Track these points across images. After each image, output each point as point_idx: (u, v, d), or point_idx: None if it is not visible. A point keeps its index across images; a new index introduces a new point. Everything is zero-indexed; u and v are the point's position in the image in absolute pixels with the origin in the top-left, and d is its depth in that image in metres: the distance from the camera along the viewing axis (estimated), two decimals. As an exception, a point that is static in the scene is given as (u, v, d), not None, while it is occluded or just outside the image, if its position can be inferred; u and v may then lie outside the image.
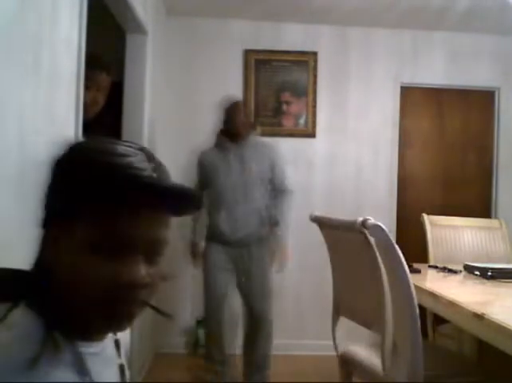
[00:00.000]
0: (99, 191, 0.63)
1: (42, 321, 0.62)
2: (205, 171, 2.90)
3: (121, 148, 0.66)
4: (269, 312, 2.85)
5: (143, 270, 0.64)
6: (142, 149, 0.69)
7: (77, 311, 0.65)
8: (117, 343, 0.76)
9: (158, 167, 0.67)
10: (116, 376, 0.74)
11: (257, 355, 2.85)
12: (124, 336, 0.81)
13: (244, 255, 2.82)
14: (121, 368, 0.76)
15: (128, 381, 0.77)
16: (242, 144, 2.85)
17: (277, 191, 2.91)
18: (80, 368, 0.64)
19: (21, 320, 0.62)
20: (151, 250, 0.66)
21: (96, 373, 0.66)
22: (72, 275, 0.63)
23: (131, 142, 0.71)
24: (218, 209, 2.81)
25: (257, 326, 2.84)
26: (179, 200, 0.66)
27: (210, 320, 2.84)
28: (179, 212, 0.70)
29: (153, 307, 0.74)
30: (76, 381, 0.63)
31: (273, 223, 2.88)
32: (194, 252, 2.97)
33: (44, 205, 0.69)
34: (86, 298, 0.63)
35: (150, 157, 0.68)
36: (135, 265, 0.64)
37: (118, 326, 0.67)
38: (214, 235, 2.85)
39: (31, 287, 0.66)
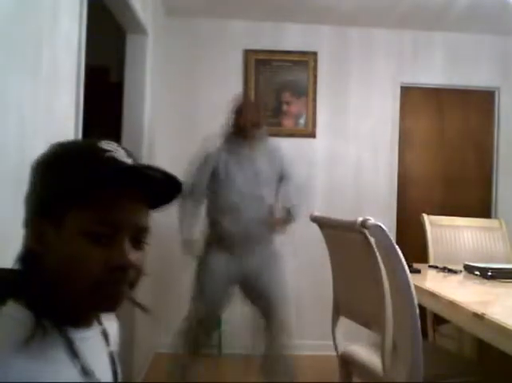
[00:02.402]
0: (83, 183, 0.67)
1: (30, 312, 0.66)
2: (212, 171, 2.73)
3: (103, 145, 0.72)
4: (282, 312, 2.71)
5: (131, 254, 0.69)
6: (122, 147, 0.74)
7: (69, 296, 0.68)
8: (104, 332, 0.80)
9: (138, 162, 0.73)
10: (106, 361, 0.78)
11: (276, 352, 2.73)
12: (111, 326, 0.84)
13: (250, 259, 2.69)
14: (111, 355, 0.80)
15: (118, 368, 0.81)
16: (252, 144, 2.75)
17: (288, 197, 2.79)
18: (71, 351, 0.68)
19: (9, 311, 0.67)
20: (136, 236, 0.71)
21: (86, 356, 0.70)
22: (65, 263, 0.67)
23: (111, 142, 0.75)
24: (223, 211, 2.69)
25: (274, 319, 2.72)
26: (161, 185, 0.72)
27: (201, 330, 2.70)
28: (162, 201, 0.76)
29: (134, 302, 0.79)
30: (67, 362, 0.67)
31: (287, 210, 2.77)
32: (189, 251, 2.76)
33: (26, 204, 0.73)
34: (80, 283, 0.67)
35: (130, 154, 0.74)
36: (123, 247, 0.69)
37: (108, 307, 0.71)
38: (218, 238, 2.72)
39: (17, 283, 0.69)
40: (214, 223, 2.75)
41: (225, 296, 2.72)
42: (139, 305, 0.81)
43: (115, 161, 0.70)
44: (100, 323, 0.79)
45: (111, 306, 0.71)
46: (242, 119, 2.73)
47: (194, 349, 2.69)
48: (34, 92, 1.46)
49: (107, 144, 0.72)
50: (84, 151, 0.72)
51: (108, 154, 0.70)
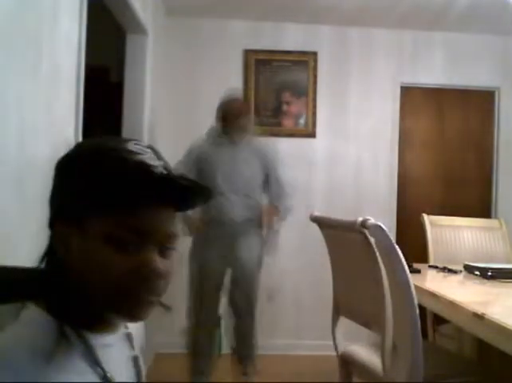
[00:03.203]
0: (114, 188, 0.64)
1: (52, 318, 0.64)
2: (199, 165, 2.82)
3: (132, 146, 0.68)
4: (254, 298, 2.83)
5: (159, 262, 0.67)
6: (149, 147, 0.71)
7: (92, 303, 0.66)
8: (129, 336, 0.77)
9: (166, 164, 0.70)
10: (129, 368, 0.75)
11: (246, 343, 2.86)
12: (137, 330, 0.82)
13: (234, 243, 2.76)
14: (135, 360, 0.77)
15: (142, 372, 0.78)
16: (237, 142, 2.81)
17: (275, 197, 2.86)
18: (92, 359, 0.65)
19: (33, 317, 0.64)
20: (165, 243, 0.69)
21: (107, 363, 0.67)
22: (92, 269, 0.65)
23: (137, 140, 0.72)
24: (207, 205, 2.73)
25: (242, 309, 2.82)
26: (190, 194, 0.70)
27: (199, 327, 2.78)
28: (189, 205, 0.73)
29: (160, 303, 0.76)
30: (89, 370, 0.65)
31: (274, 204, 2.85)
32: (191, 227, 2.81)
33: (51, 205, 0.70)
34: (103, 290, 0.64)
35: (158, 155, 0.71)
36: (151, 256, 0.66)
37: (134, 317, 0.68)
38: (206, 229, 2.78)
39: (41, 286, 0.67)
40: (202, 214, 2.80)
41: (222, 269, 2.80)
42: (160, 304, 0.78)
43: (146, 167, 0.65)
44: (125, 326, 0.76)
45: (137, 315, 0.67)
46: (228, 117, 2.79)
47: (196, 348, 2.72)
48: (34, 92, 1.46)
49: (135, 146, 0.68)
50: (113, 152, 0.67)
51: (137, 157, 0.66)
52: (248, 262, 2.79)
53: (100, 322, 0.69)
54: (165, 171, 0.67)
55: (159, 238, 0.67)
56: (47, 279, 0.68)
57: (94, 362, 0.65)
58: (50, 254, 0.69)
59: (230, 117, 2.79)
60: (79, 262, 0.66)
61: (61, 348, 0.61)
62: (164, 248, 0.69)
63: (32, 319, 0.64)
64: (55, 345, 0.61)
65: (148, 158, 0.67)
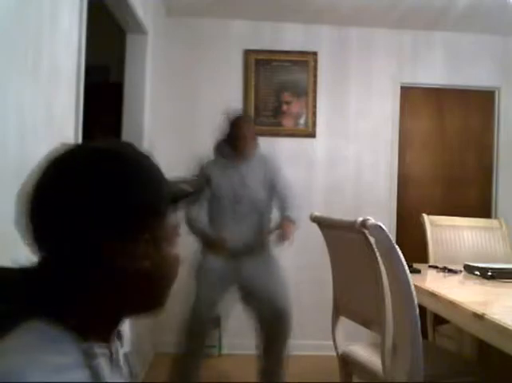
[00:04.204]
0: (151, 206, 0.68)
1: (61, 328, 0.63)
2: (207, 182, 2.74)
3: (150, 162, 0.72)
4: (289, 308, 2.70)
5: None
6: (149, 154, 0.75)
7: (128, 307, 0.71)
8: (119, 334, 0.77)
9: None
10: (124, 376, 0.76)
11: (275, 358, 2.74)
12: (127, 328, 0.83)
13: (245, 264, 2.69)
14: (126, 357, 0.78)
15: (133, 369, 0.80)
16: (245, 158, 2.77)
17: (284, 208, 2.79)
18: (93, 370, 0.65)
19: (39, 326, 0.63)
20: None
21: (107, 374, 0.67)
22: (158, 269, 0.70)
23: (132, 144, 0.72)
24: (218, 219, 2.72)
25: (277, 327, 2.69)
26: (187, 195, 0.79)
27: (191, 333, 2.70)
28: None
29: None
30: (90, 380, 0.64)
31: (282, 213, 2.77)
32: (223, 246, 2.69)
33: (78, 221, 0.64)
34: (162, 286, 0.72)
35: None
36: (177, 248, 0.74)
37: (163, 305, 0.74)
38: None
39: (51, 296, 0.66)
40: (212, 229, 2.74)
41: (219, 298, 2.71)
42: None
43: (171, 190, 0.73)
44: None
45: (164, 304, 0.74)
46: (235, 135, 2.73)
47: (193, 348, 2.70)
48: (34, 92, 1.46)
49: (148, 160, 0.73)
50: (143, 165, 0.71)
51: (161, 176, 0.73)
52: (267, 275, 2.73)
53: (102, 331, 0.69)
54: (174, 183, 0.75)
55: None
56: (62, 290, 0.66)
57: (96, 374, 0.65)
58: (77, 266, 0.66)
59: (238, 141, 2.74)
60: (153, 266, 0.69)
61: (69, 361, 0.61)
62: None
63: (38, 328, 0.63)
64: (66, 358, 0.60)
65: (161, 172, 0.73)
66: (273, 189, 2.80)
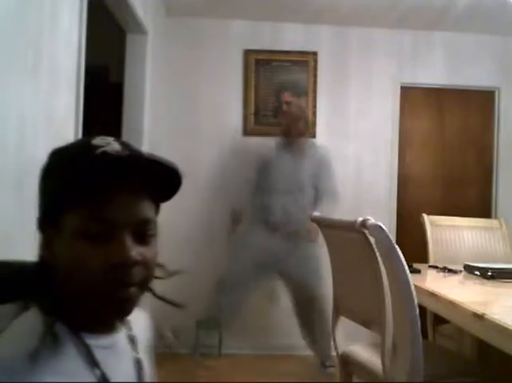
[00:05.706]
0: (74, 181, 0.65)
1: (46, 317, 0.64)
2: (263, 165, 3.23)
3: (95, 141, 0.68)
4: (321, 288, 3.07)
5: (132, 249, 0.65)
6: (118, 140, 0.70)
7: (79, 301, 0.66)
8: (132, 338, 0.76)
9: (137, 152, 0.68)
10: (130, 370, 0.74)
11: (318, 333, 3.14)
12: (143, 333, 0.81)
13: (288, 245, 3.08)
14: (138, 363, 0.75)
15: (146, 375, 0.77)
16: (298, 145, 3.21)
17: (323, 196, 3.19)
18: (89, 359, 0.65)
19: (26, 317, 0.65)
20: (139, 230, 0.67)
21: (107, 365, 0.66)
22: (68, 266, 0.65)
23: (106, 137, 0.71)
24: (270, 199, 3.14)
25: (310, 306, 3.11)
26: (156, 174, 0.68)
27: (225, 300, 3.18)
28: (168, 192, 0.72)
29: (162, 298, 0.75)
30: (85, 372, 0.64)
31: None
32: (234, 219, 3.27)
33: (38, 208, 0.72)
34: (84, 286, 0.64)
35: (126, 145, 0.69)
36: (123, 243, 0.65)
37: (120, 311, 0.68)
38: (263, 219, 3.14)
39: (33, 286, 0.68)
40: (261, 208, 3.19)
41: (255, 275, 3.15)
42: (167, 301, 0.77)
43: (105, 155, 0.65)
44: (128, 328, 0.76)
45: (121, 309, 0.67)
46: (289, 124, 3.24)
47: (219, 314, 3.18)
48: (34, 92, 1.46)
49: (100, 140, 0.68)
50: (75, 151, 0.70)
51: (99, 150, 0.65)
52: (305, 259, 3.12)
53: (95, 322, 0.68)
54: (122, 153, 0.66)
55: (132, 225, 0.66)
56: (39, 279, 0.68)
57: (91, 363, 0.65)
58: (37, 259, 0.71)
59: (287, 124, 3.26)
60: (59, 262, 0.66)
61: (46, 347, 0.60)
62: (141, 235, 0.68)
63: (24, 319, 0.65)
64: (39, 345, 0.60)
65: (111, 148, 0.66)
66: (318, 184, 3.19)
